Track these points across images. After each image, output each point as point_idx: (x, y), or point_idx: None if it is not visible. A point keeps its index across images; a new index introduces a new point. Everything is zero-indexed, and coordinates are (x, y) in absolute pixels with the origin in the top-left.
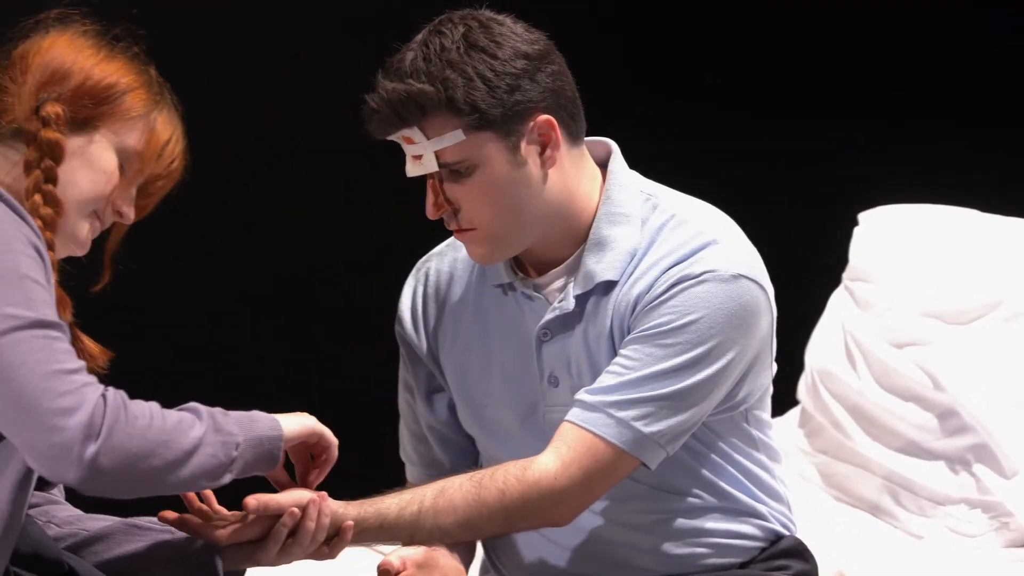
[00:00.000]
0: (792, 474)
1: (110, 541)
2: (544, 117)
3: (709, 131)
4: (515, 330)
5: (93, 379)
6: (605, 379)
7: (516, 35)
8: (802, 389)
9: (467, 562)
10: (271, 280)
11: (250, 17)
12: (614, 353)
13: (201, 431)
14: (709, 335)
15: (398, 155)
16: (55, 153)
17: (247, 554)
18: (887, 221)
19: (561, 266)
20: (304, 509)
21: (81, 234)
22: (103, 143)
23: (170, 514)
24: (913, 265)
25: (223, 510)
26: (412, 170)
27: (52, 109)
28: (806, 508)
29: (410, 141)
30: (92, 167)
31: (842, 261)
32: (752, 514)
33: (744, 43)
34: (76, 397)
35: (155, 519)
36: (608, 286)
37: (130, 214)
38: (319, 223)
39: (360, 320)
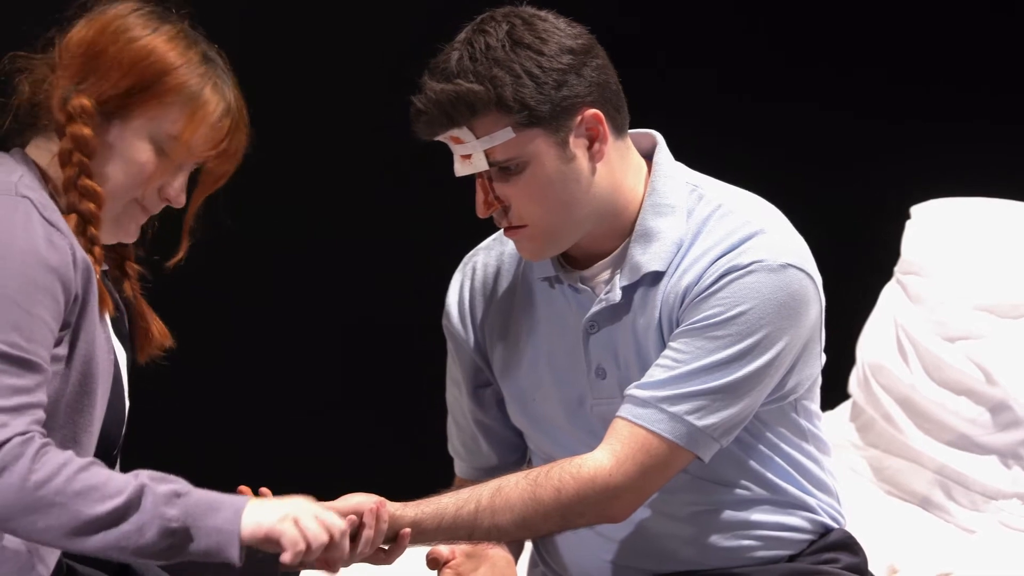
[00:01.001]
0: (843, 468)
1: None
2: (591, 111)
3: (764, 127)
4: (562, 323)
5: (21, 419)
6: (655, 373)
7: (560, 30)
8: (853, 383)
9: (516, 554)
10: (318, 284)
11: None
12: (663, 345)
13: (115, 504)
14: (759, 326)
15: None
16: (85, 148)
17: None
18: (939, 214)
19: (607, 258)
20: (362, 516)
21: (123, 223)
22: (137, 132)
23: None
24: (965, 258)
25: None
26: (461, 170)
27: (78, 102)
28: (857, 502)
29: (459, 141)
30: (125, 157)
31: (894, 255)
32: (801, 506)
33: (798, 43)
34: None
35: None
36: (655, 277)
37: (180, 198)
38: (372, 223)
39: (407, 320)
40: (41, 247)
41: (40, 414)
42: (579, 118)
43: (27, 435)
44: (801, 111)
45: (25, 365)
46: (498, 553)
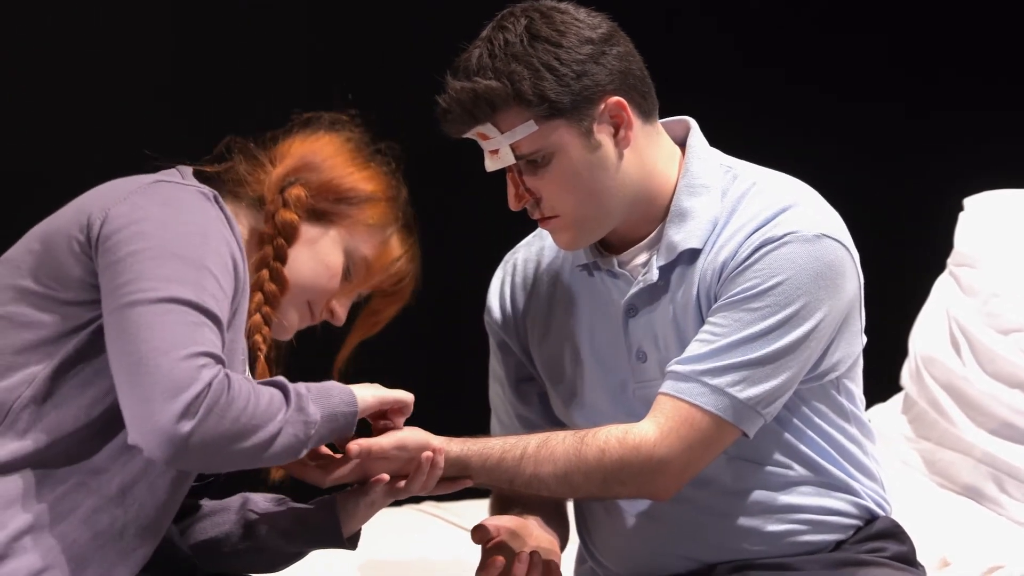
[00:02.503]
0: (894, 460)
1: (229, 513)
2: (614, 99)
3: (819, 121)
4: (602, 309)
5: (215, 363)
6: (695, 348)
7: (579, 21)
8: (905, 375)
9: (562, 539)
10: None
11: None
12: (701, 323)
13: (286, 414)
14: (796, 295)
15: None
16: (289, 233)
17: (354, 502)
18: (993, 206)
19: (643, 241)
20: (419, 463)
21: (290, 319)
22: (335, 240)
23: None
24: (1019, 250)
25: (326, 449)
26: (490, 165)
27: (295, 192)
28: (909, 494)
29: (485, 137)
30: (318, 259)
31: (947, 246)
32: (845, 489)
33: (855, 37)
34: (188, 376)
35: (268, 495)
36: (692, 255)
37: (342, 317)
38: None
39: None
40: (229, 236)
41: (223, 366)
42: (602, 106)
43: (223, 375)
44: (855, 105)
45: (217, 324)
46: (542, 535)
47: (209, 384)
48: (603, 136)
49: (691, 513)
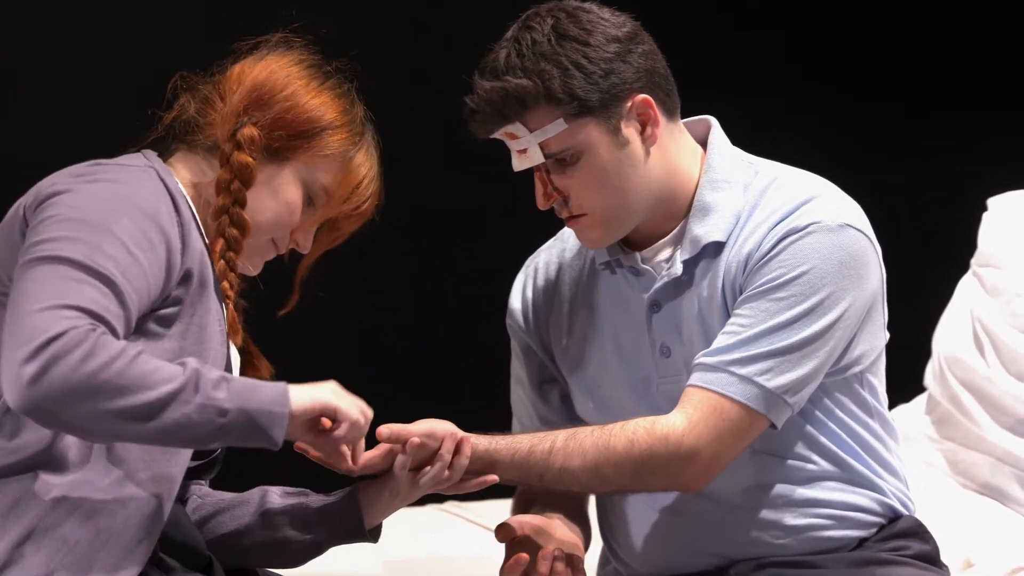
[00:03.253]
0: (918, 461)
1: (248, 506)
2: (641, 96)
3: (843, 120)
4: (625, 306)
5: (82, 316)
6: (722, 340)
7: (604, 20)
8: (929, 376)
9: (585, 539)
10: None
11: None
12: (727, 316)
13: (173, 388)
14: (821, 284)
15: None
16: (245, 176)
17: (377, 491)
18: (1016, 206)
19: (667, 237)
20: (442, 444)
21: (254, 257)
22: (292, 175)
23: (302, 444)
24: None
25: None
26: (519, 164)
27: (248, 132)
28: (933, 495)
29: (513, 137)
30: (277, 197)
31: (970, 247)
32: (869, 486)
33: (878, 36)
34: (44, 324)
35: (288, 487)
36: (716, 249)
37: (307, 245)
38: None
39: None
40: (160, 210)
41: (106, 327)
42: (629, 104)
43: (86, 327)
44: (879, 104)
45: (112, 287)
46: (566, 534)
47: (64, 332)
48: (630, 133)
49: (714, 507)
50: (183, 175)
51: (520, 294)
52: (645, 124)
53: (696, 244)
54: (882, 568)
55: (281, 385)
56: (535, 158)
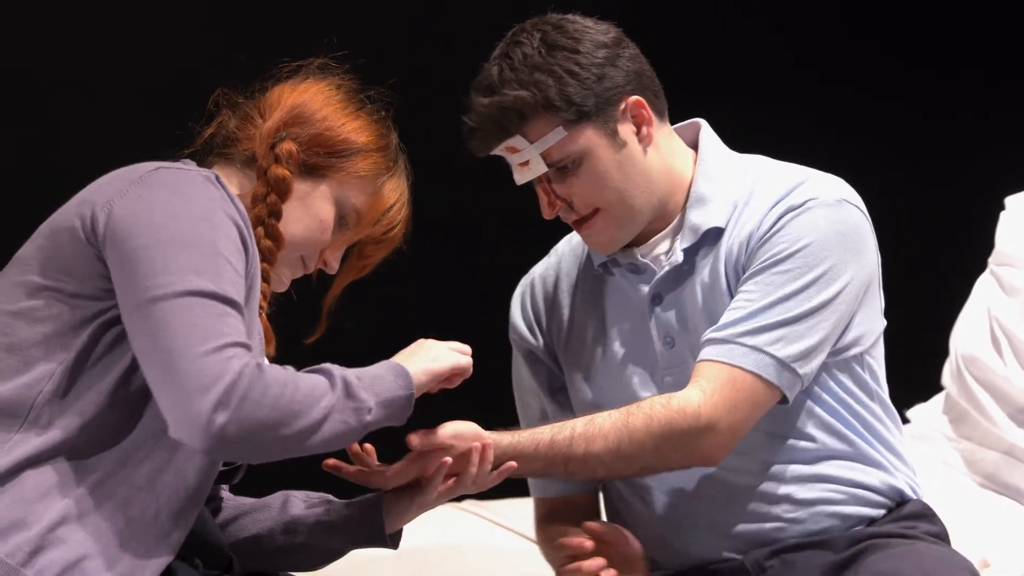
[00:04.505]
0: (935, 460)
1: (270, 511)
2: (633, 98)
3: (860, 120)
4: (625, 304)
5: (245, 352)
6: (729, 315)
7: (590, 28)
8: (946, 375)
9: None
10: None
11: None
12: (731, 298)
13: (332, 400)
14: (823, 256)
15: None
16: (282, 189)
17: (407, 503)
18: None
19: (664, 230)
20: (468, 454)
21: (283, 273)
22: (326, 193)
23: (332, 461)
24: None
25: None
26: (521, 177)
27: (286, 147)
28: (950, 494)
29: (514, 150)
30: (309, 213)
31: (988, 245)
32: (876, 465)
33: (895, 38)
34: (219, 369)
35: (311, 492)
36: (716, 235)
37: (335, 266)
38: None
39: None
40: (234, 211)
41: (253, 352)
42: (623, 106)
43: (254, 363)
44: (896, 104)
45: (239, 309)
46: (632, 546)
47: (240, 373)
48: (627, 134)
49: (726, 487)
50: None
51: (519, 306)
52: (640, 124)
53: (696, 231)
54: (893, 541)
55: (396, 366)
56: (537, 169)
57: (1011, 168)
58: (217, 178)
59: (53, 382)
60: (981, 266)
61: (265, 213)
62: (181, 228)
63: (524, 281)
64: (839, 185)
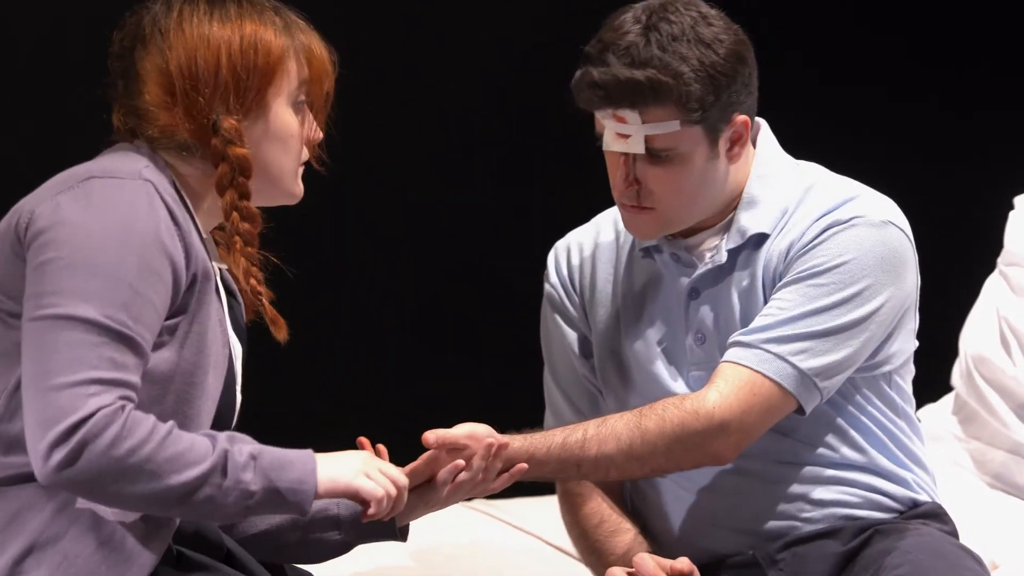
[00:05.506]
0: (945, 460)
1: None
2: (742, 118)
3: (870, 118)
4: (662, 291)
5: (110, 390)
6: (759, 320)
7: (729, 32)
8: (956, 375)
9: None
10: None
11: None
12: (765, 304)
13: (201, 471)
14: (861, 275)
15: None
16: (245, 168)
17: (415, 500)
18: None
19: (714, 227)
20: (478, 450)
21: (298, 187)
22: (278, 112)
23: None
24: None
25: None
26: (616, 146)
27: (228, 124)
28: (960, 494)
29: (622, 120)
30: (281, 138)
31: (997, 245)
32: (894, 479)
33: (905, 36)
34: (69, 405)
35: None
36: (760, 240)
37: (319, 134)
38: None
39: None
40: (161, 231)
41: (132, 393)
42: (733, 122)
43: (115, 406)
44: (906, 103)
45: (127, 343)
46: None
47: (92, 414)
48: (722, 148)
49: (744, 482)
50: (174, 169)
51: (555, 270)
52: (734, 143)
53: (743, 234)
54: (906, 531)
55: (309, 460)
56: (635, 147)
57: (1020, 167)
58: (155, 187)
59: None
60: (990, 266)
61: (236, 197)
62: (86, 249)
63: (561, 244)
64: (888, 206)
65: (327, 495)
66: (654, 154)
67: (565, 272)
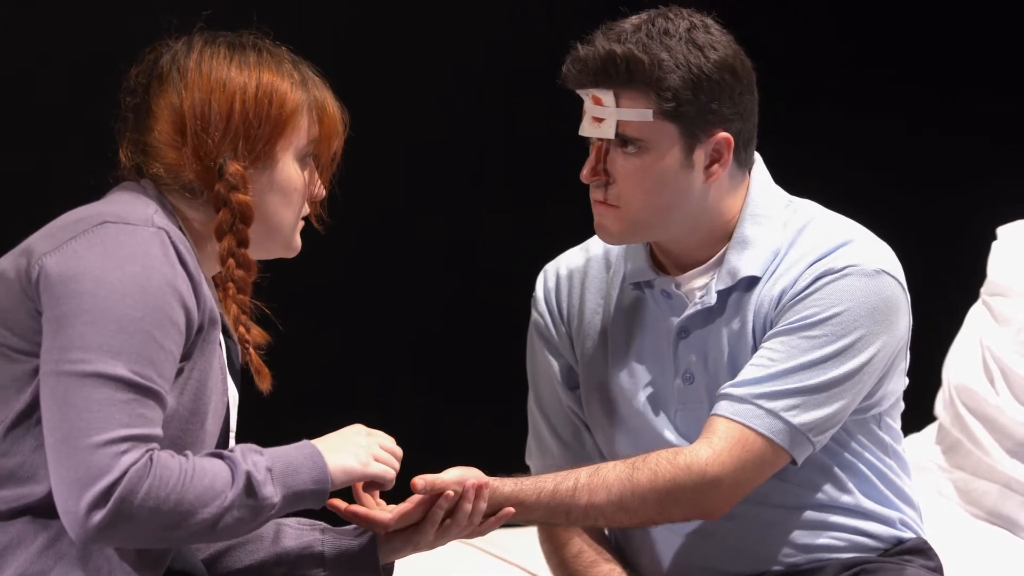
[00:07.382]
0: (929, 490)
1: (263, 542)
2: (724, 135)
3: (853, 145)
4: (651, 328)
5: (140, 446)
6: (750, 372)
7: (728, 47)
8: (939, 405)
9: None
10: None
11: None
12: (755, 349)
13: (229, 500)
14: (853, 327)
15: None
16: (247, 215)
17: (402, 543)
18: None
19: (704, 265)
20: (463, 491)
21: (296, 241)
22: (284, 164)
23: (339, 503)
24: None
25: (383, 503)
26: (587, 130)
27: (234, 169)
28: (944, 525)
29: (599, 102)
30: (285, 191)
31: (980, 275)
32: (880, 519)
33: (889, 61)
34: (104, 464)
35: (303, 520)
36: (751, 283)
37: (322, 191)
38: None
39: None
40: (177, 280)
41: (157, 444)
42: (713, 135)
43: (144, 460)
44: (889, 130)
45: (154, 396)
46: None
47: (125, 472)
48: (698, 161)
49: (726, 523)
50: (180, 212)
51: (543, 297)
52: (714, 161)
53: (733, 275)
54: (886, 567)
55: (316, 456)
56: (606, 132)
57: (1003, 197)
58: (168, 235)
59: None
60: (973, 296)
61: (234, 243)
62: (108, 301)
63: (550, 268)
64: (881, 253)
65: (343, 485)
66: (625, 141)
67: (553, 300)
